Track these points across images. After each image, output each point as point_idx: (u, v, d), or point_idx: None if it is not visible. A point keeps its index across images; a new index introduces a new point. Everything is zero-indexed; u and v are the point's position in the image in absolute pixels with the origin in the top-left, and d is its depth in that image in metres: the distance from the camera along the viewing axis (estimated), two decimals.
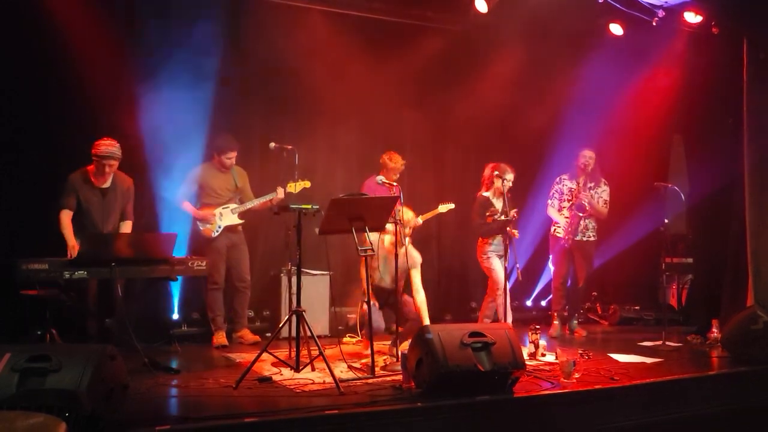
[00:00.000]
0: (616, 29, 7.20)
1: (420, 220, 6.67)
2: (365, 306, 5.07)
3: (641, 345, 6.35)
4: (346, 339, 6.34)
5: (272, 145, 5.98)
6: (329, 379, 4.47)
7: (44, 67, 5.78)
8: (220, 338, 6.14)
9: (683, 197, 6.82)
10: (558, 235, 7.04)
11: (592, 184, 7.02)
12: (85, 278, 4.95)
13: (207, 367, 5.25)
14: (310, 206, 4.94)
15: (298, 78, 6.86)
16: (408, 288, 5.75)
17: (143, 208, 6.00)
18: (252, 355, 5.02)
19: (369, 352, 4.94)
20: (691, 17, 6.93)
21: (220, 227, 6.12)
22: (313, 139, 7.12)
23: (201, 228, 6.11)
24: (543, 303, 8.22)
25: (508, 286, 6.38)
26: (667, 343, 6.30)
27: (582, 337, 6.96)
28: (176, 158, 6.16)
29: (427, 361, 4.21)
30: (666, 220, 6.62)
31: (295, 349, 4.94)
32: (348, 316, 6.84)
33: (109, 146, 5.35)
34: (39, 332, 5.18)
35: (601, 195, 7.03)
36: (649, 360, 5.61)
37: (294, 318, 4.88)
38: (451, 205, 6.76)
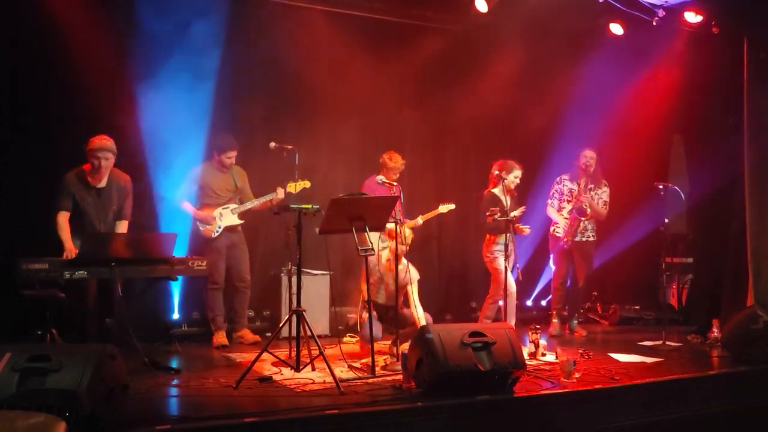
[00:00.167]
0: (616, 29, 7.20)
1: (420, 220, 6.69)
2: (365, 315, 5.09)
3: (641, 345, 6.35)
4: (346, 339, 6.35)
5: (272, 145, 5.98)
6: (329, 379, 4.47)
7: (44, 66, 5.78)
8: (221, 338, 6.14)
9: (683, 197, 6.82)
10: (558, 234, 7.04)
11: (593, 185, 7.02)
12: (85, 278, 4.94)
13: (207, 367, 5.25)
14: (310, 206, 4.94)
15: (299, 77, 6.86)
16: (406, 303, 5.77)
17: (143, 208, 5.99)
18: (252, 354, 5.02)
19: (369, 351, 4.94)
20: (692, 17, 6.93)
21: (220, 227, 6.12)
22: (314, 138, 7.12)
23: (201, 228, 6.11)
24: (543, 303, 8.22)
25: (515, 290, 6.39)
26: (668, 342, 6.30)
27: (582, 337, 6.96)
28: (176, 158, 6.16)
29: (428, 361, 4.21)
30: (666, 220, 6.62)
31: (295, 349, 4.94)
32: (348, 315, 6.85)
33: (102, 140, 5.32)
34: (39, 332, 5.18)
35: (600, 196, 7.03)
36: (649, 360, 5.61)
37: (294, 318, 4.88)
38: (452, 206, 6.77)
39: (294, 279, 5.10)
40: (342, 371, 4.89)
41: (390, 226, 5.52)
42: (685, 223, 8.25)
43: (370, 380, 4.71)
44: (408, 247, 5.81)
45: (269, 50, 6.65)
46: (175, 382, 4.71)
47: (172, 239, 5.13)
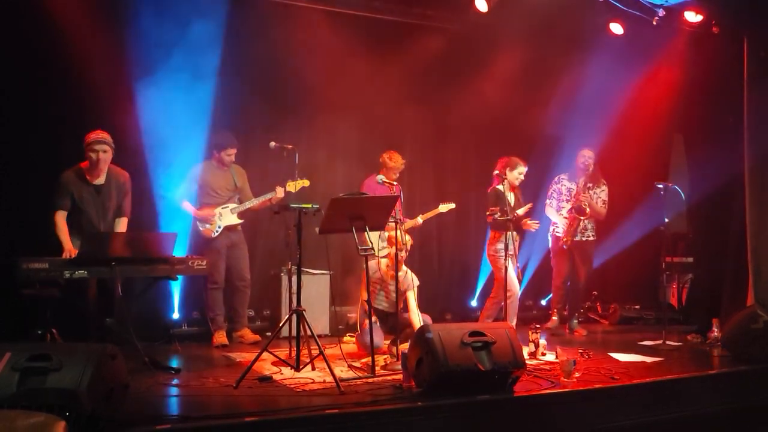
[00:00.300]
0: (616, 28, 7.20)
1: (420, 219, 6.68)
2: (366, 322, 5.09)
3: (641, 344, 6.35)
4: (346, 338, 6.34)
5: (272, 144, 5.98)
6: (329, 379, 4.47)
7: (44, 66, 5.77)
8: (221, 337, 6.14)
9: (684, 196, 6.82)
10: (557, 234, 7.04)
11: (591, 184, 7.02)
12: (85, 278, 4.94)
13: (207, 367, 5.25)
14: (310, 205, 4.94)
15: (299, 77, 6.85)
16: (405, 309, 5.78)
17: (143, 207, 5.99)
18: (252, 354, 5.02)
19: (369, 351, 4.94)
20: (692, 16, 6.94)
21: (220, 227, 6.12)
22: (313, 138, 7.13)
23: (201, 228, 6.11)
24: (543, 302, 8.22)
25: (518, 290, 6.39)
26: (668, 342, 6.30)
27: (582, 337, 6.95)
28: (176, 157, 6.16)
29: (428, 361, 4.21)
30: (666, 219, 6.61)
31: (295, 349, 4.94)
32: (348, 315, 6.85)
33: (98, 133, 5.29)
34: (39, 331, 5.16)
35: (599, 195, 7.04)
36: (649, 359, 5.61)
37: (294, 317, 4.88)
38: (452, 205, 6.76)
39: (294, 278, 5.10)
40: (342, 371, 4.89)
41: (390, 229, 5.54)
42: (686, 223, 8.24)
43: (370, 380, 4.70)
44: (407, 253, 5.82)
45: (269, 49, 6.64)
46: (175, 381, 4.71)
47: (172, 239, 5.12)
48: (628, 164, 7.81)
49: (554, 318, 7.05)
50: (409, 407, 4.06)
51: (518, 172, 6.45)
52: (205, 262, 5.39)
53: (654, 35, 7.05)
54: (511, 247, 6.01)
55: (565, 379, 4.70)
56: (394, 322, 5.57)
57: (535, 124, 7.70)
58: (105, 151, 5.30)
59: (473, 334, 4.30)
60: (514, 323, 6.12)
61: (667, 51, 7.43)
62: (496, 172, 6.40)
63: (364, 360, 5.19)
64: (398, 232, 5.43)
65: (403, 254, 5.58)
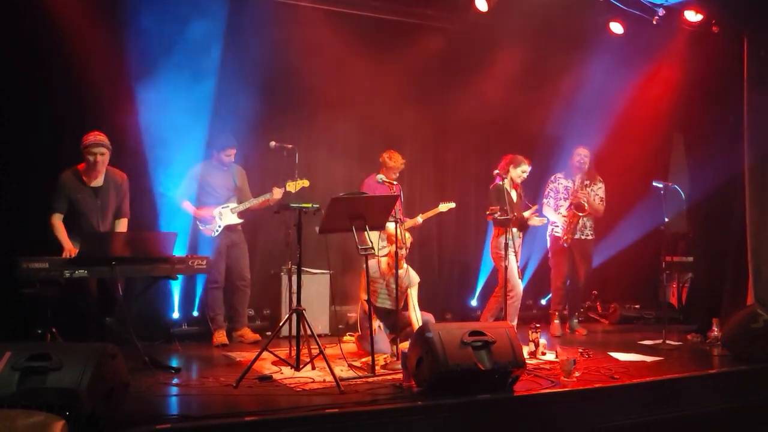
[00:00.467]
0: (616, 28, 7.20)
1: (420, 218, 6.69)
2: (367, 327, 5.09)
3: (641, 344, 6.35)
4: (346, 338, 6.34)
5: (272, 144, 5.98)
6: (329, 378, 4.48)
7: (44, 66, 5.77)
8: (221, 337, 6.14)
9: (684, 196, 6.82)
10: (557, 234, 7.04)
11: (588, 182, 7.02)
12: (85, 277, 4.94)
13: (207, 366, 5.26)
14: (310, 205, 4.95)
15: (299, 76, 6.86)
16: (405, 306, 5.78)
17: (143, 207, 5.99)
18: (252, 353, 5.02)
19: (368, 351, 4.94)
20: (692, 16, 6.93)
21: (220, 227, 6.12)
22: (313, 137, 7.13)
23: (201, 228, 6.12)
24: (543, 302, 8.22)
25: (521, 289, 6.39)
26: (668, 341, 6.29)
27: (582, 336, 6.95)
28: (176, 156, 6.16)
29: (428, 360, 4.21)
30: (666, 219, 6.61)
31: (295, 348, 4.95)
32: (348, 314, 6.85)
33: (95, 135, 5.27)
34: (39, 331, 5.17)
35: (597, 192, 7.03)
36: (649, 359, 5.61)
37: (294, 317, 4.88)
38: (452, 204, 6.76)
39: (294, 278, 5.10)
40: (342, 370, 4.89)
41: (390, 227, 5.53)
42: (686, 222, 8.25)
43: (370, 379, 4.70)
44: (407, 251, 5.82)
45: (269, 49, 6.64)
46: (175, 381, 4.71)
47: (172, 238, 5.13)
48: (628, 164, 7.82)
49: (556, 322, 7.02)
50: (409, 407, 4.06)
51: (521, 170, 6.46)
52: (205, 262, 5.39)
53: (654, 35, 7.05)
54: (512, 245, 6.01)
55: (565, 379, 4.70)
56: (395, 321, 5.57)
57: (535, 124, 7.71)
58: (102, 154, 5.29)
59: (473, 333, 4.30)
60: (515, 323, 6.11)
61: (667, 50, 7.43)
62: (497, 171, 6.41)
63: (364, 359, 5.19)
64: (398, 230, 5.44)
65: (403, 252, 5.58)
